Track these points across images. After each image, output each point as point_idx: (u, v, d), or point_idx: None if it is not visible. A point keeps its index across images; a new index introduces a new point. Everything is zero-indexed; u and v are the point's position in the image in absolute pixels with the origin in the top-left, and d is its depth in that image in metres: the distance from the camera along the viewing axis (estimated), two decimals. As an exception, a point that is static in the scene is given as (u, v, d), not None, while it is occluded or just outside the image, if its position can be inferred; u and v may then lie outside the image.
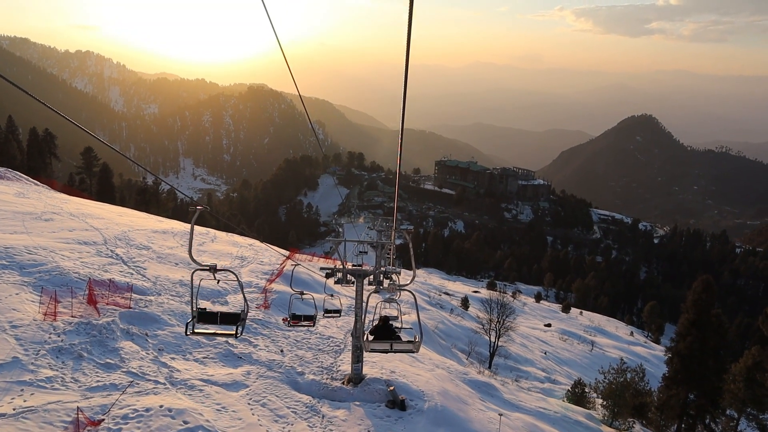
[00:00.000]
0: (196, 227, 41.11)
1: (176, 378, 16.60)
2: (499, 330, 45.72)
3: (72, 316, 17.72)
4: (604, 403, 29.98)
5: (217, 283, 9.82)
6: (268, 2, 6.74)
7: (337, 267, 19.83)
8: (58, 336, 16.30)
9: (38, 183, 43.23)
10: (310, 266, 37.28)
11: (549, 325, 73.98)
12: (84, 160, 76.11)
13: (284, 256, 37.93)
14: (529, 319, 75.50)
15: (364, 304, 17.27)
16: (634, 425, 28.99)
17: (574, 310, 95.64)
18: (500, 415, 19.99)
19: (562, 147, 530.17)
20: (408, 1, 4.63)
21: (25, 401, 12.80)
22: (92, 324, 17.66)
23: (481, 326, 48.05)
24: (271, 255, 37.28)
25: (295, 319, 17.97)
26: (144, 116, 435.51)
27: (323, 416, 17.06)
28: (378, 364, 21.63)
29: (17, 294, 18.18)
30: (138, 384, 15.45)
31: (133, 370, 16.12)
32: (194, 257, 9.20)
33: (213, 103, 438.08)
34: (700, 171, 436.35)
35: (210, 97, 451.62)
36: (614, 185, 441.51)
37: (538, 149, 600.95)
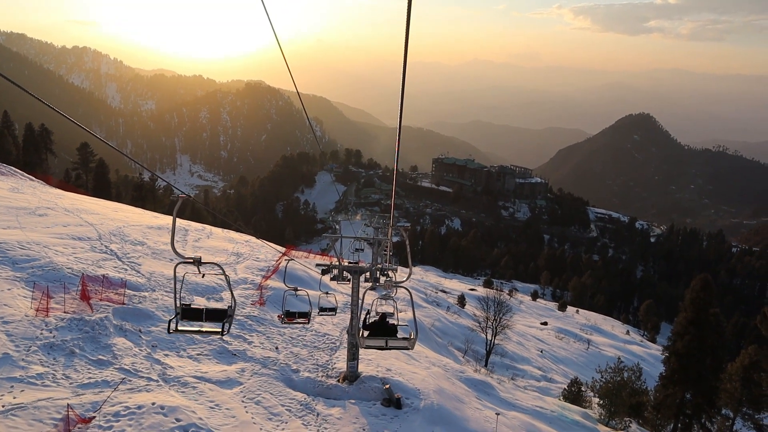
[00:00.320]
0: (192, 223, 41.05)
1: (169, 375, 16.43)
2: (496, 328, 45.60)
3: (64, 312, 17.53)
4: (601, 402, 29.88)
5: (202, 277, 9.23)
6: (267, 0, 6.65)
7: (334, 264, 19.68)
8: (50, 332, 16.10)
9: (33, 178, 43.02)
10: (306, 263, 37.13)
11: (545, 324, 73.93)
12: (80, 156, 75.74)
13: (280, 252, 37.75)
14: (526, 317, 75.44)
15: (360, 302, 17.11)
16: (630, 424, 28.89)
17: (570, 309, 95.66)
18: (497, 414, 19.86)
19: (560, 145, 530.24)
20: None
21: (14, 398, 12.61)
22: (85, 320, 17.48)
23: (477, 324, 47.92)
24: (267, 252, 37.10)
25: (289, 317, 17.69)
26: (141, 112, 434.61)
27: (318, 414, 16.91)
28: (374, 362, 21.48)
29: (9, 289, 17.97)
30: (130, 381, 15.28)
31: (126, 367, 15.95)
32: (179, 251, 8.77)
33: (210, 100, 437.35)
34: (698, 170, 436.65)
35: (207, 94, 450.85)
36: (611, 184, 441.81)
37: (536, 147, 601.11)
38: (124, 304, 19.84)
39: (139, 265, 24.90)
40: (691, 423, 36.17)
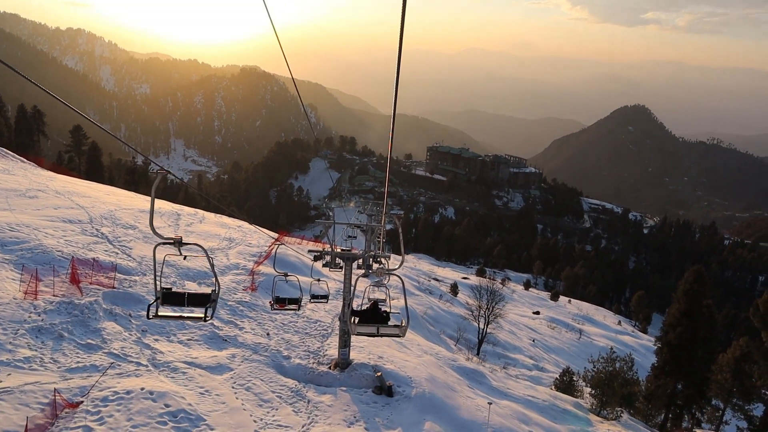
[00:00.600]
0: (185, 208, 40.75)
1: (159, 360, 16.27)
2: (488, 317, 45.64)
3: (53, 296, 17.32)
4: (593, 392, 29.90)
5: (184, 259, 8.79)
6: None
7: (326, 250, 19.50)
8: (39, 315, 15.90)
9: (24, 160, 42.58)
10: (299, 249, 36.97)
11: (537, 313, 74.12)
12: (73, 139, 75.22)
13: (273, 238, 37.58)
14: (518, 306, 75.59)
15: (352, 288, 16.97)
16: (622, 414, 28.92)
17: (562, 299, 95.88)
18: (489, 403, 19.80)
19: (555, 135, 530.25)
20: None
21: (1, 382, 12.41)
22: (74, 303, 17.28)
23: (470, 313, 47.95)
24: (259, 237, 36.91)
25: (279, 303, 17.44)
26: (135, 96, 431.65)
27: (309, 401, 16.80)
28: (366, 350, 21.39)
29: (-3, 272, 17.74)
30: (119, 366, 15.12)
31: (115, 352, 15.78)
32: (170, 235, 8.41)
33: (205, 85, 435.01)
34: (691, 162, 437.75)
35: (202, 78, 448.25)
36: (605, 175, 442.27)
37: (531, 137, 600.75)
38: (114, 288, 19.63)
39: (131, 248, 24.67)
40: (681, 413, 36.38)
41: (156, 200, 38.38)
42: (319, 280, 19.43)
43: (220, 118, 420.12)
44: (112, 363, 15.04)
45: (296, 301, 17.40)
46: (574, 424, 24.14)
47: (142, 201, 38.19)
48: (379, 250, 26.71)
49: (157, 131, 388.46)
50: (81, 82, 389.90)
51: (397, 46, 5.38)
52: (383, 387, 18.33)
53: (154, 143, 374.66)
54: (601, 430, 24.65)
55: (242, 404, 15.34)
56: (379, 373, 18.90)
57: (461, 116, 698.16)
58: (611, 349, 35.37)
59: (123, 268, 21.86)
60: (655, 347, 42.09)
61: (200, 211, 41.34)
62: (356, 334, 13.45)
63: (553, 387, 33.52)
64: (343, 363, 19.33)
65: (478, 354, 41.99)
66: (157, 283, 9.47)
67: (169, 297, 9.83)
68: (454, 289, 67.24)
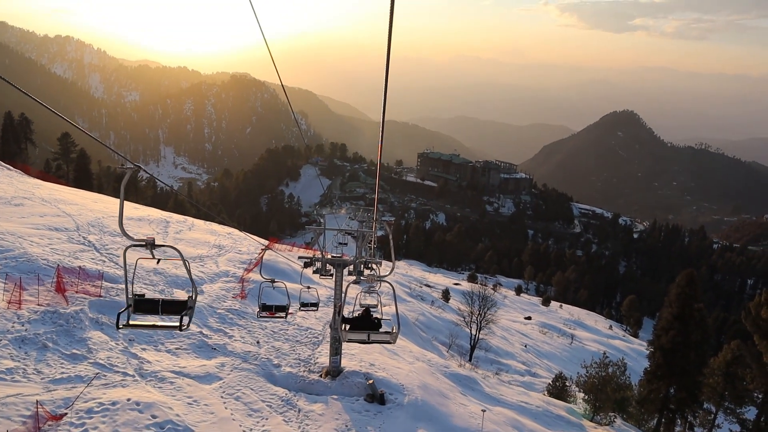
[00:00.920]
0: (174, 215, 40.38)
1: (146, 370, 15.95)
2: (480, 323, 45.47)
3: (38, 305, 16.94)
4: (586, 397, 29.75)
5: (157, 263, 8.31)
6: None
7: (316, 256, 19.25)
8: (22, 325, 15.53)
9: (11, 168, 42.06)
10: (289, 256, 36.67)
11: (529, 318, 74.03)
12: (61, 146, 74.64)
13: (263, 245, 37.27)
14: (510, 311, 75.48)
15: (343, 295, 16.75)
16: (615, 419, 28.78)
17: (554, 304, 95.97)
18: (483, 411, 19.59)
19: (545, 141, 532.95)
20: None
21: (-19, 394, 12.09)
22: (59, 313, 16.92)
23: (461, 319, 47.78)
24: (249, 244, 36.60)
25: (266, 310, 17.02)
26: (125, 103, 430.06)
27: (299, 410, 16.53)
28: (357, 357, 21.14)
29: (-20, 281, 17.38)
30: (105, 376, 14.78)
31: (101, 362, 15.44)
32: (159, 242, 7.90)
33: (195, 92, 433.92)
34: (680, 167, 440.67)
35: (192, 86, 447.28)
36: (595, 180, 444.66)
37: (521, 143, 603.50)
38: (101, 296, 19.28)
39: (118, 256, 24.31)
40: (674, 417, 36.29)
41: (145, 207, 37.83)
42: (309, 287, 19.06)
43: (210, 126, 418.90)
44: (97, 373, 14.71)
45: (284, 309, 17.05)
46: (568, 430, 23.98)
47: (130, 208, 37.82)
48: (370, 256, 26.51)
49: (146, 139, 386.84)
50: (70, 90, 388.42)
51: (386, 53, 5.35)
52: (375, 395, 18.09)
53: (143, 151, 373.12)
54: (594, 436, 24.50)
55: (231, 414, 15.05)
56: (370, 381, 18.65)
57: (452, 123, 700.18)
58: (604, 353, 35.27)
59: (110, 276, 21.51)
60: (648, 351, 42.05)
61: (190, 219, 40.98)
62: (347, 341, 13.27)
63: (545, 393, 33.38)
64: (335, 371, 19.07)
65: (470, 360, 41.77)
66: (129, 288, 8.91)
67: (141, 304, 9.23)
68: (446, 295, 67.04)
